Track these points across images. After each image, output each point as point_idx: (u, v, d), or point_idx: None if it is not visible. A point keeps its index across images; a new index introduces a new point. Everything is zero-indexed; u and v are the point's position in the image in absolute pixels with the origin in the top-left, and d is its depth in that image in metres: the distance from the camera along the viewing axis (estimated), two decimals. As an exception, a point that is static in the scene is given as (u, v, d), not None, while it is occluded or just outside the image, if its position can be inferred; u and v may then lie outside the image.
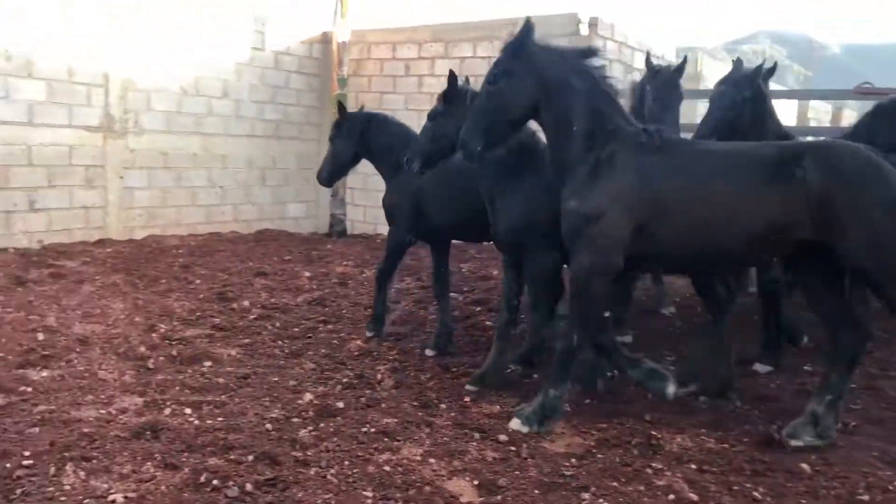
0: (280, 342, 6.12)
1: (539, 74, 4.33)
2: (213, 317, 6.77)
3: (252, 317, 6.86)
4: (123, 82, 10.06)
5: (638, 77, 11.90)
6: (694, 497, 3.57)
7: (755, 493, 3.63)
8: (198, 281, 8.16)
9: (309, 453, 3.90)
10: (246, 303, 7.31)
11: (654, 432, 4.33)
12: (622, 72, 11.38)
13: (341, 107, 6.78)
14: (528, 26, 4.34)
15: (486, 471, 3.77)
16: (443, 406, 4.75)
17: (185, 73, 10.77)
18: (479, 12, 13.22)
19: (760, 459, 4.03)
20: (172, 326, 6.40)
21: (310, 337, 6.34)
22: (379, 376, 5.29)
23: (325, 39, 12.79)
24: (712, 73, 16.42)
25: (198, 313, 6.85)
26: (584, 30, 10.66)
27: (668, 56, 12.85)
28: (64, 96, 9.38)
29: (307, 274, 8.85)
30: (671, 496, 3.57)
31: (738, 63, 6.08)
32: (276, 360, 5.64)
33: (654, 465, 3.92)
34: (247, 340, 6.13)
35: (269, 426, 4.27)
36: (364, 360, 5.71)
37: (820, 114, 19.99)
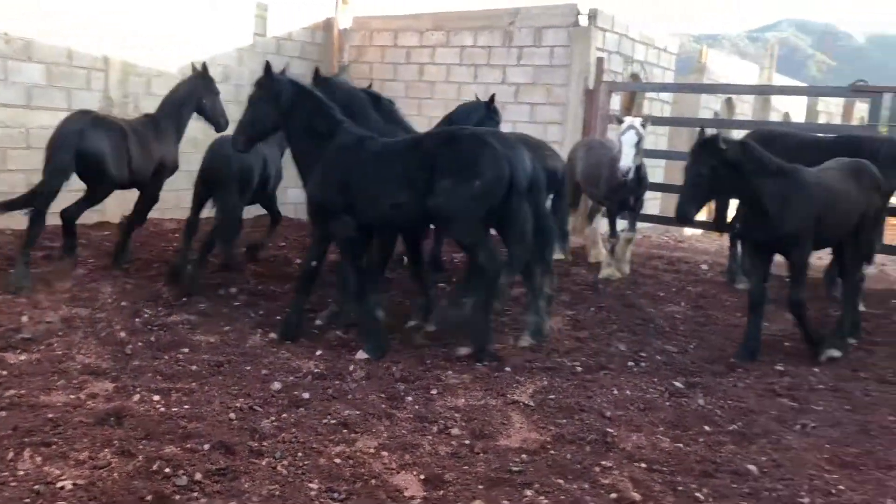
0: (261, 329, 6.17)
1: None
2: (199, 303, 6.84)
3: (236, 303, 6.94)
4: (124, 66, 10.17)
5: (638, 69, 11.88)
6: (636, 497, 3.62)
7: (698, 494, 3.68)
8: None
9: (265, 444, 3.99)
10: (233, 289, 7.37)
11: (610, 429, 4.39)
12: (621, 64, 11.34)
13: None
14: None
15: (435, 465, 3.84)
16: (409, 398, 4.81)
17: (186, 57, 10.81)
18: (481, 1, 13.17)
19: (711, 460, 4.09)
20: (156, 312, 6.48)
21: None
22: (351, 367, 5.36)
23: (328, 26, 12.81)
24: (719, 65, 16.31)
25: (184, 298, 6.92)
26: (583, 21, 10.61)
27: (670, 48, 12.75)
28: (63, 80, 9.49)
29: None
30: (614, 495, 3.63)
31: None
32: (254, 349, 5.71)
33: (603, 463, 3.98)
34: (227, 328, 6.20)
35: (232, 415, 4.35)
36: (340, 350, 5.78)
37: (830, 107, 19.83)
